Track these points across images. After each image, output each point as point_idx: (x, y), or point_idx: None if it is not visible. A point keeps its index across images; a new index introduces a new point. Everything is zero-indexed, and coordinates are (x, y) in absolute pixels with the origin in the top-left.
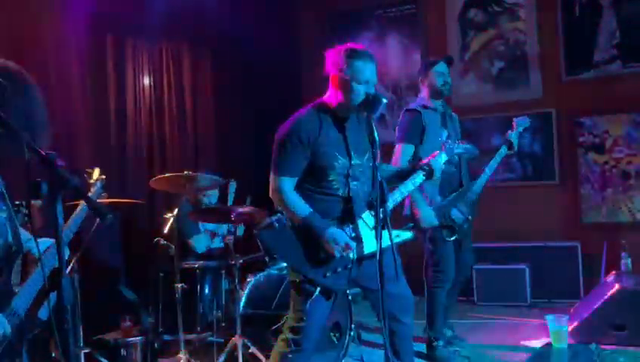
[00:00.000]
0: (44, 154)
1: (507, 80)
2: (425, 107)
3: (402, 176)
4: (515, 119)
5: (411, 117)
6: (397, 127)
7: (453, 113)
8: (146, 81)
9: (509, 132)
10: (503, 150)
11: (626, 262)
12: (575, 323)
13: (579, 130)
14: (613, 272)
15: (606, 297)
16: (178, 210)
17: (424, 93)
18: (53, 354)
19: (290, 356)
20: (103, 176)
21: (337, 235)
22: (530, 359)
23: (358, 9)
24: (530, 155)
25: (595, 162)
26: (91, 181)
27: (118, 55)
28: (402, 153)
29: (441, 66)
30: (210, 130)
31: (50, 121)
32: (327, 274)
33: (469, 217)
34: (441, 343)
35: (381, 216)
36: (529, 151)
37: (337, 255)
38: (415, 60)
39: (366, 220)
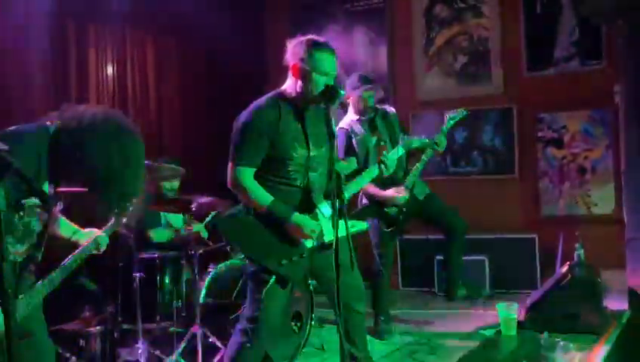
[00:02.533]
0: None
1: (470, 75)
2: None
3: (358, 170)
4: (446, 113)
5: (342, 135)
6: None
7: (388, 111)
8: (110, 69)
9: (442, 126)
10: (430, 153)
11: (579, 253)
12: (528, 312)
13: (538, 126)
14: (568, 263)
15: (558, 286)
16: (137, 200)
17: (351, 110)
18: None
19: (247, 345)
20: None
21: (303, 221)
22: (480, 345)
23: (324, 1)
24: (491, 149)
25: (554, 157)
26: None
27: (81, 42)
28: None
29: (366, 87)
30: (175, 120)
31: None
32: (283, 263)
33: (404, 209)
34: (382, 318)
35: (338, 206)
36: (490, 146)
37: (302, 241)
38: (381, 54)
39: (323, 210)
